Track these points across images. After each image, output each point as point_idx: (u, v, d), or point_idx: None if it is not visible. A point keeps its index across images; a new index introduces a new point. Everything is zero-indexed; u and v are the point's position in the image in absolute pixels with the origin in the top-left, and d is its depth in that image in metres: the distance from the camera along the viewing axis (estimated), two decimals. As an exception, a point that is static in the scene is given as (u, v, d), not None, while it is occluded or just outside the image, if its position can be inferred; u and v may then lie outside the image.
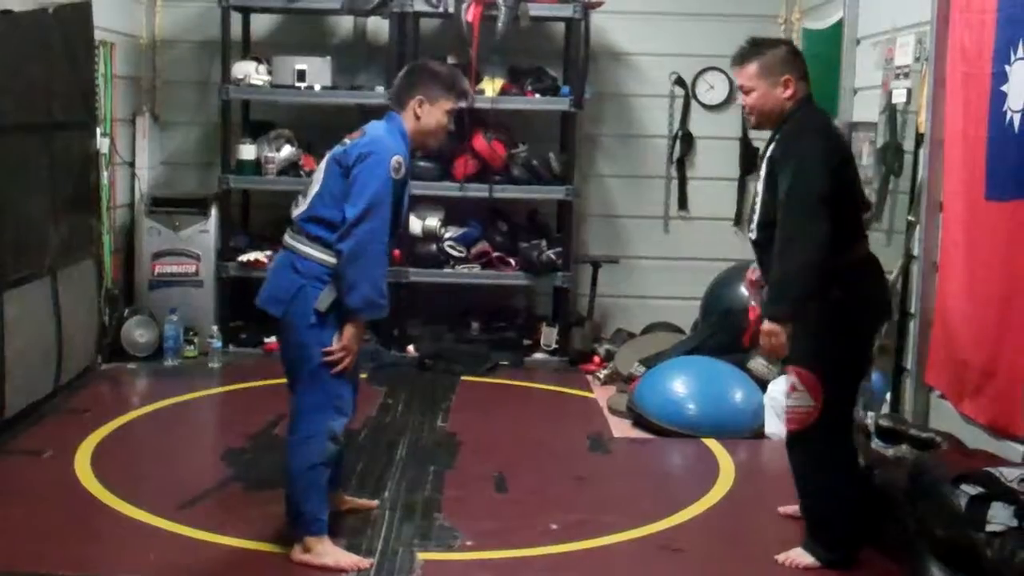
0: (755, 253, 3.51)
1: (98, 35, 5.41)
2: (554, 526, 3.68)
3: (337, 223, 3.25)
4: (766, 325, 3.26)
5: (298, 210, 3.38)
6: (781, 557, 3.42)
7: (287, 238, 3.40)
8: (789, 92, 3.33)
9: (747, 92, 3.37)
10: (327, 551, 3.31)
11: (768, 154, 3.35)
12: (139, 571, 3.26)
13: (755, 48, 3.40)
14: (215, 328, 5.78)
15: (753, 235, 3.43)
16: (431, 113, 3.37)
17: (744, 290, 3.27)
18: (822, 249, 3.17)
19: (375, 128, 3.37)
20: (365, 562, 3.31)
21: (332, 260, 3.25)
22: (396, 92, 3.44)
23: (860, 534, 3.44)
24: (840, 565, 3.38)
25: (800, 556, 3.41)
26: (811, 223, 3.17)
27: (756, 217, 3.40)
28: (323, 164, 3.38)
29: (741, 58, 3.40)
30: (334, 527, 3.45)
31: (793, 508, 3.68)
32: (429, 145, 3.54)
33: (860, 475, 3.52)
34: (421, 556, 3.40)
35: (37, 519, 3.61)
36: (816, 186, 3.18)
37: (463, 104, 3.46)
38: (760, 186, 3.36)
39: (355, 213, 3.21)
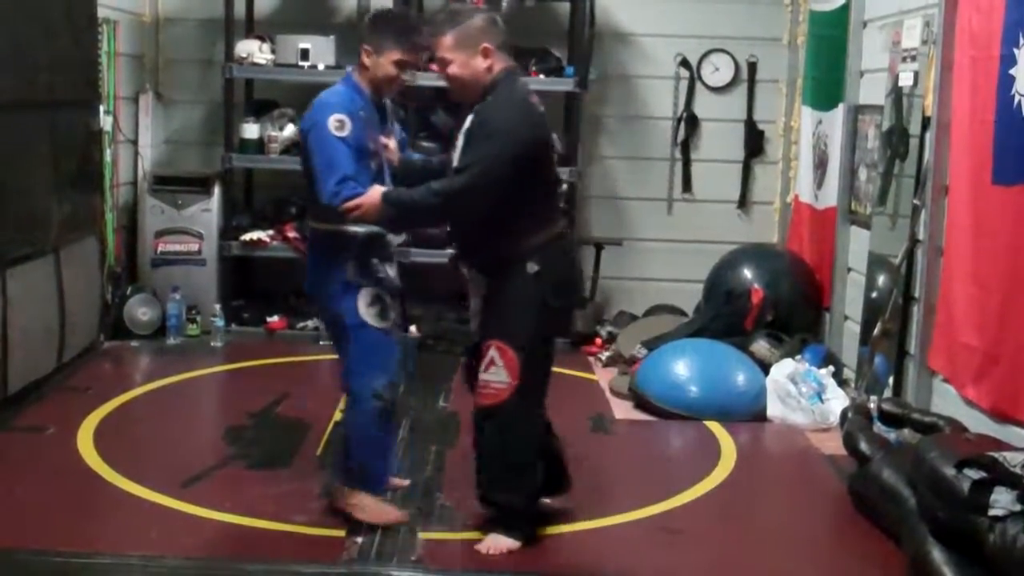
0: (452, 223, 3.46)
1: (101, 13, 5.39)
2: (555, 506, 3.67)
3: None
4: (374, 198, 3.21)
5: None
6: (482, 547, 3.32)
7: (309, 220, 3.54)
8: (488, 62, 3.23)
9: (446, 64, 3.24)
10: (371, 506, 3.44)
11: (466, 126, 3.26)
12: (141, 548, 3.26)
13: (450, 18, 3.30)
14: (217, 307, 5.78)
15: None
16: (378, 64, 3.36)
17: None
18: (453, 217, 3.26)
19: (320, 95, 3.41)
20: (404, 516, 3.46)
21: (339, 228, 3.32)
22: (357, 42, 3.47)
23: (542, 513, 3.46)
24: (532, 538, 3.37)
25: (497, 540, 3.33)
26: (472, 194, 3.15)
27: None
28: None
29: (438, 28, 3.29)
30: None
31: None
32: (385, 94, 3.50)
33: (544, 447, 3.50)
34: (422, 535, 3.41)
35: (39, 496, 3.62)
36: (499, 175, 3.15)
37: (414, 55, 3.42)
38: (455, 156, 3.28)
39: (317, 187, 3.27)
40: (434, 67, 3.34)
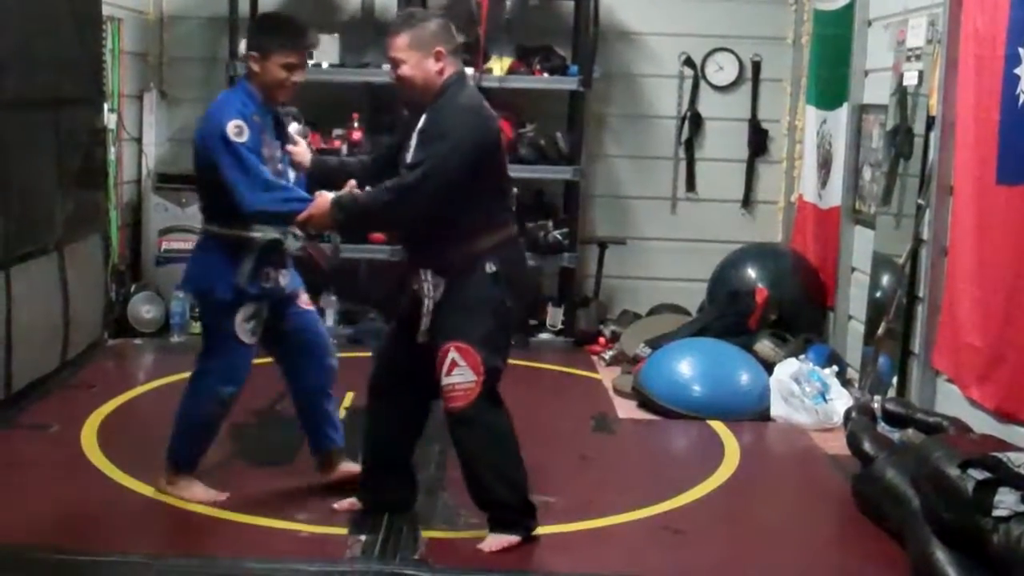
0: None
1: (106, 11, 5.40)
2: (557, 505, 3.68)
3: (220, 197, 3.33)
4: (324, 201, 3.24)
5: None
6: (484, 546, 3.32)
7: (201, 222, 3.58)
8: (440, 65, 3.27)
9: (398, 64, 3.27)
10: (192, 487, 3.54)
11: (419, 126, 3.28)
12: (145, 546, 3.27)
13: (407, 20, 3.36)
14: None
15: None
16: (266, 68, 3.37)
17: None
18: (402, 222, 3.27)
19: (213, 103, 3.44)
20: (222, 496, 3.52)
21: (231, 233, 3.40)
22: (246, 49, 3.48)
23: (532, 506, 3.42)
24: (530, 531, 3.37)
25: (497, 539, 3.33)
26: (424, 191, 3.15)
27: None
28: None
29: (393, 29, 3.33)
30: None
31: (350, 501, 3.58)
32: (278, 98, 3.50)
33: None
34: (425, 534, 3.41)
35: (44, 493, 3.63)
36: (452, 172, 3.16)
37: (302, 57, 3.42)
38: (408, 157, 3.28)
39: (237, 200, 3.28)
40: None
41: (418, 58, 3.26)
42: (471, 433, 3.31)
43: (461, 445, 3.35)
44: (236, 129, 3.29)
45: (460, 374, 3.24)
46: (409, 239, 3.45)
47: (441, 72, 3.28)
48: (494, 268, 3.27)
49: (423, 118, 3.28)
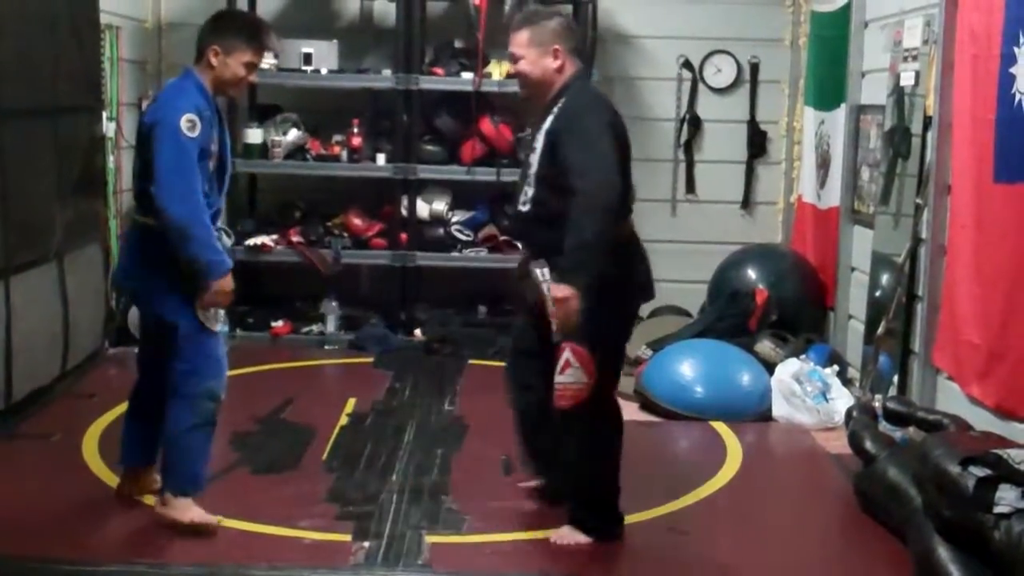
0: (518, 227, 3.46)
1: (104, 19, 5.39)
2: (562, 509, 3.67)
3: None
4: (563, 291, 3.15)
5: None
6: (555, 537, 3.38)
7: (135, 215, 3.47)
8: (558, 63, 3.32)
9: (517, 60, 3.34)
10: (191, 509, 3.40)
11: (547, 127, 3.30)
12: (148, 555, 3.27)
13: (529, 17, 3.42)
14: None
15: (524, 208, 3.35)
16: (227, 64, 3.37)
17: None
18: (614, 220, 3.19)
19: (166, 90, 3.40)
20: (215, 520, 3.40)
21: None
22: (197, 40, 3.42)
23: (621, 516, 3.47)
24: (613, 537, 3.40)
25: (571, 534, 3.39)
26: (607, 194, 3.15)
27: (531, 192, 3.32)
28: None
29: (515, 26, 3.40)
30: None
31: (535, 483, 3.71)
32: (228, 95, 3.53)
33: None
34: (429, 539, 3.41)
35: (45, 502, 3.62)
36: (611, 158, 3.19)
37: (263, 58, 3.44)
38: (535, 159, 3.31)
39: (158, 189, 3.24)
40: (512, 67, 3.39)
41: (536, 55, 3.32)
42: (576, 432, 3.34)
43: (565, 443, 3.38)
44: (189, 124, 3.25)
45: (572, 375, 3.25)
46: (535, 239, 3.39)
47: (560, 70, 3.33)
48: (613, 271, 3.21)
49: (550, 118, 3.30)
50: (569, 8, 6.09)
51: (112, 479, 3.82)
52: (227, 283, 3.37)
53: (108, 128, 5.52)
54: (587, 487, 3.41)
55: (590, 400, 3.27)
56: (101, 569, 3.19)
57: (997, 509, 2.82)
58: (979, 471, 2.91)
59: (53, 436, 4.27)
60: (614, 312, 3.30)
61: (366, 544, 3.35)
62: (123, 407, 4.60)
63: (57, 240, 4.86)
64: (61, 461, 4.01)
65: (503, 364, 3.77)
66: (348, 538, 3.40)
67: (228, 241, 3.58)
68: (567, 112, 3.27)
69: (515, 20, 3.47)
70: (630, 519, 3.63)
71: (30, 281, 4.57)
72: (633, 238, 3.41)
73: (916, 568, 3.14)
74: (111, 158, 5.58)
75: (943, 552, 2.99)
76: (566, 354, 3.25)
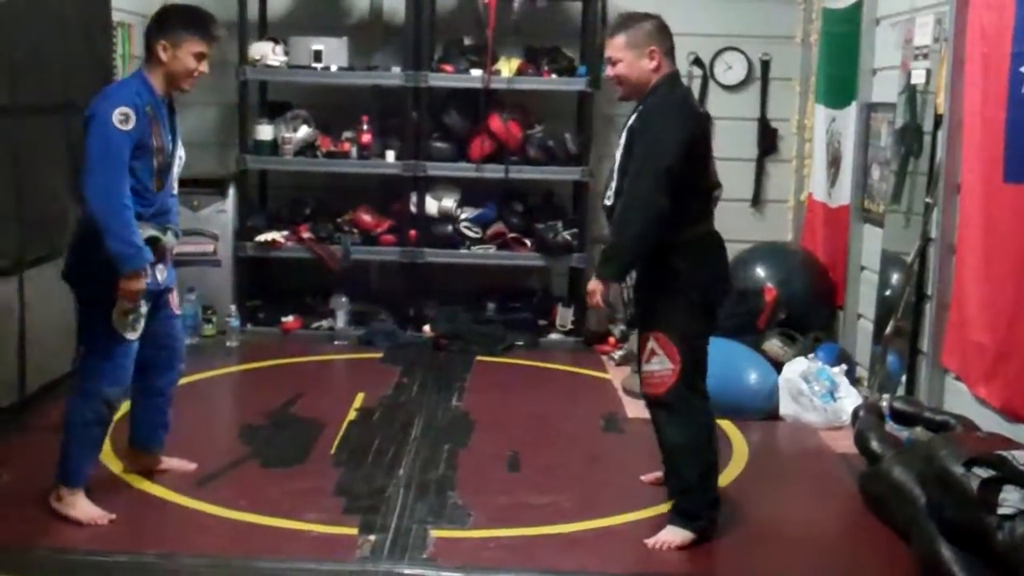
0: (607, 218, 3.57)
1: (116, 16, 5.42)
2: (567, 504, 3.70)
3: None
4: (592, 283, 3.42)
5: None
6: (651, 542, 3.42)
7: (80, 211, 3.51)
8: (654, 64, 3.42)
9: (615, 63, 3.44)
10: (78, 504, 3.43)
11: (629, 124, 3.43)
12: (160, 547, 3.30)
13: (624, 21, 3.51)
14: (233, 307, 5.82)
15: (608, 202, 3.48)
16: (176, 57, 3.39)
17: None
18: (658, 223, 3.29)
19: (108, 86, 3.41)
20: (105, 518, 3.42)
21: None
22: (145, 39, 3.45)
23: (717, 500, 3.52)
24: (707, 532, 3.45)
25: (671, 535, 3.43)
26: (653, 196, 3.27)
27: (613, 184, 3.46)
28: None
29: (611, 31, 3.50)
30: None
31: (656, 475, 3.81)
32: (182, 89, 3.51)
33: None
34: (434, 533, 3.43)
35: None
36: (666, 160, 3.29)
37: (210, 46, 3.46)
38: (619, 154, 3.44)
39: (84, 177, 3.29)
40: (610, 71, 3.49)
41: (633, 57, 3.41)
42: (667, 418, 3.45)
43: (660, 430, 3.50)
44: (121, 116, 3.28)
45: (658, 362, 3.40)
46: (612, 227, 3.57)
47: (656, 71, 3.43)
48: (681, 264, 3.37)
49: (634, 116, 3.44)
50: (579, 5, 6.13)
51: (124, 472, 3.85)
52: (136, 281, 3.36)
53: (120, 124, 5.55)
54: (678, 478, 3.48)
55: (677, 386, 3.39)
56: (111, 559, 3.22)
57: (1001, 510, 2.83)
58: (983, 472, 2.92)
59: (65, 429, 4.29)
60: (692, 304, 3.41)
61: (372, 537, 3.37)
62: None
63: (69, 235, 4.88)
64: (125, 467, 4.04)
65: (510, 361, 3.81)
66: (355, 531, 3.42)
67: (174, 241, 3.56)
68: (646, 113, 3.40)
69: (610, 25, 3.57)
70: (637, 515, 3.65)
71: (43, 275, 4.60)
72: (710, 235, 3.51)
73: (920, 568, 3.15)
74: (123, 154, 5.61)
75: (947, 553, 3.00)
76: (650, 343, 3.42)
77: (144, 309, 3.47)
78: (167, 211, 3.56)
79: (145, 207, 3.41)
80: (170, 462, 3.87)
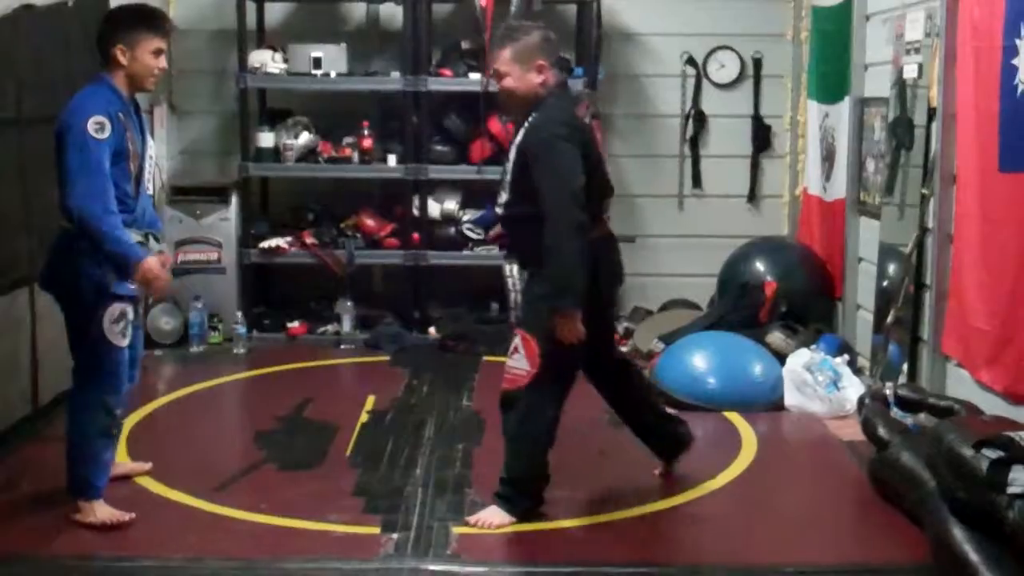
0: (503, 224, 3.68)
1: (116, 27, 5.47)
2: (578, 498, 3.77)
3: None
4: (561, 323, 3.38)
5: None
6: (473, 519, 3.51)
7: (62, 221, 3.46)
8: (542, 78, 3.43)
9: (502, 77, 3.44)
10: (97, 510, 3.47)
11: (517, 142, 3.45)
12: (181, 551, 3.35)
13: (510, 33, 3.51)
14: (239, 314, 5.86)
15: (500, 211, 3.58)
16: (135, 58, 3.38)
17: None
18: (584, 236, 3.36)
19: (76, 96, 3.40)
20: (126, 516, 3.47)
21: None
22: (99, 46, 3.44)
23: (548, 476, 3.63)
24: (528, 515, 3.54)
25: (493, 516, 3.51)
26: (575, 216, 3.34)
27: (505, 196, 3.54)
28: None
29: (497, 43, 3.49)
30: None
31: (661, 467, 3.94)
32: (147, 88, 3.52)
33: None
34: (455, 530, 3.49)
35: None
36: (575, 182, 3.36)
37: (167, 40, 3.45)
38: (509, 167, 3.49)
39: (67, 189, 3.30)
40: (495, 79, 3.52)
41: (520, 71, 3.41)
42: (512, 415, 3.53)
43: (503, 419, 3.58)
44: (96, 125, 3.28)
45: (517, 360, 3.47)
46: (506, 238, 3.70)
47: (543, 84, 3.43)
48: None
49: (521, 132, 3.45)
50: (574, 8, 6.20)
51: (141, 478, 3.90)
52: (150, 266, 3.36)
53: (123, 135, 5.59)
54: (511, 467, 3.56)
55: (528, 389, 3.45)
56: (138, 564, 3.27)
57: (1010, 490, 2.90)
58: (992, 453, 2.99)
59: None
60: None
61: (395, 536, 3.43)
62: (145, 410, 4.75)
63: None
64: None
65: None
66: (377, 530, 3.48)
67: (157, 246, 3.56)
68: (533, 131, 3.41)
69: (496, 37, 3.57)
70: (648, 508, 3.72)
71: (54, 287, 4.64)
72: (600, 240, 3.55)
73: (932, 549, 3.22)
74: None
75: (958, 533, 3.07)
76: (516, 340, 3.49)
77: (131, 315, 3.48)
78: (145, 214, 3.54)
79: (127, 213, 3.40)
80: (126, 466, 3.89)
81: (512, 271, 3.55)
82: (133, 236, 3.40)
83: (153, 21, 3.45)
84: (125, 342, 3.47)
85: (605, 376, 3.84)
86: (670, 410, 4.17)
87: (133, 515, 3.50)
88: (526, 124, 3.44)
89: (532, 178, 3.39)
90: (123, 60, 3.39)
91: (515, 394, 3.49)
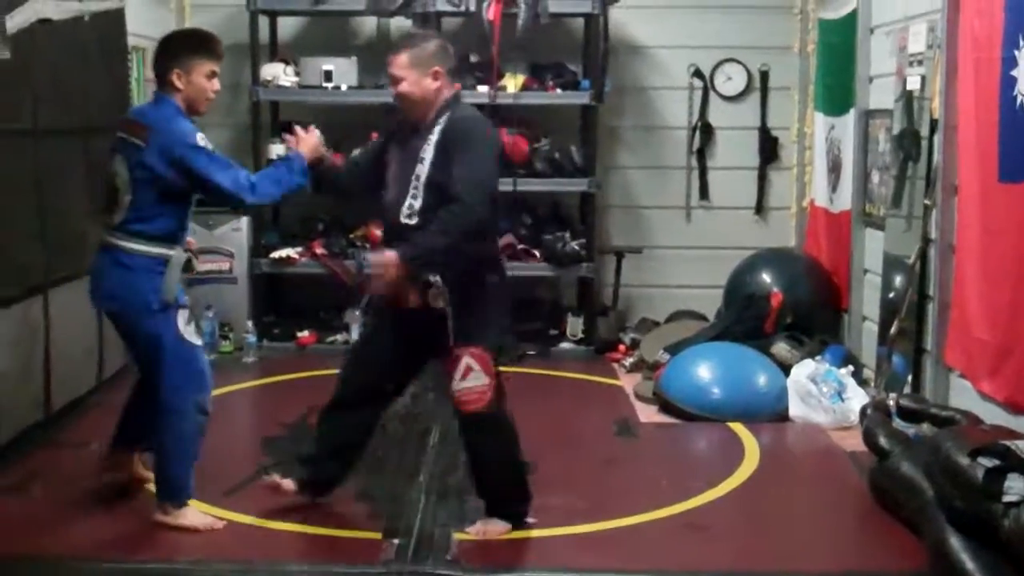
0: (399, 238, 3.45)
1: (131, 41, 5.55)
2: (583, 506, 3.80)
3: (156, 215, 3.45)
4: (391, 258, 3.32)
5: (116, 215, 3.51)
6: (474, 530, 3.54)
7: (107, 237, 3.55)
8: (438, 84, 3.48)
9: (398, 81, 3.46)
10: (188, 514, 3.55)
11: (436, 139, 3.41)
12: (190, 555, 3.40)
13: (408, 40, 3.61)
14: (249, 323, 5.93)
15: (411, 220, 3.41)
16: (191, 82, 3.49)
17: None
18: (475, 231, 3.36)
19: (160, 119, 3.48)
20: (219, 523, 3.53)
21: (157, 251, 3.47)
22: (155, 71, 3.56)
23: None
24: (525, 520, 3.59)
25: (497, 527, 3.55)
26: (481, 210, 3.35)
27: (418, 203, 3.40)
28: (118, 168, 3.51)
29: (395, 49, 3.55)
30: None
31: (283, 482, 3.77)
32: (200, 111, 3.62)
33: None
34: (456, 536, 3.53)
35: (89, 507, 3.75)
36: (494, 180, 3.45)
37: (218, 63, 3.56)
38: (424, 168, 3.40)
39: (227, 195, 3.45)
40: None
41: (416, 76, 3.45)
42: (486, 434, 3.52)
43: (476, 445, 3.56)
44: (203, 139, 3.46)
45: (475, 378, 3.43)
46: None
47: (439, 90, 3.48)
48: (495, 278, 3.52)
49: (437, 131, 3.44)
50: (581, 21, 6.26)
51: (151, 483, 3.94)
52: (301, 136, 3.73)
53: (137, 146, 5.67)
54: (504, 488, 3.58)
55: (493, 401, 3.46)
56: (146, 567, 3.34)
57: (1006, 498, 2.92)
58: (988, 461, 3.01)
59: (91, 444, 4.39)
60: (500, 315, 3.58)
61: (396, 541, 3.47)
62: (156, 417, 4.81)
63: (91, 255, 4.99)
64: (100, 467, 4.13)
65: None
66: (379, 536, 3.52)
67: (197, 265, 3.70)
68: (457, 126, 3.43)
69: (395, 43, 3.65)
70: (650, 516, 3.74)
71: (67, 295, 4.72)
72: (500, 247, 3.66)
73: (929, 558, 3.23)
74: (140, 175, 5.73)
75: (955, 542, 3.09)
76: (465, 360, 3.42)
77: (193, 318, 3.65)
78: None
79: (182, 230, 3.57)
80: (146, 472, 3.90)
81: (438, 285, 3.38)
82: (183, 253, 3.55)
83: (207, 45, 3.57)
84: (200, 340, 3.63)
85: (377, 397, 3.73)
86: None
87: (224, 522, 3.56)
88: (440, 122, 3.43)
89: (451, 172, 3.35)
90: (179, 84, 3.50)
91: (485, 413, 3.45)
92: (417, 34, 3.68)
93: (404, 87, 3.46)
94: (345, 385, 3.73)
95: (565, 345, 6.15)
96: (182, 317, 3.53)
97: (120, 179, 3.51)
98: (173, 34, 3.74)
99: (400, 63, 3.47)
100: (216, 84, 3.57)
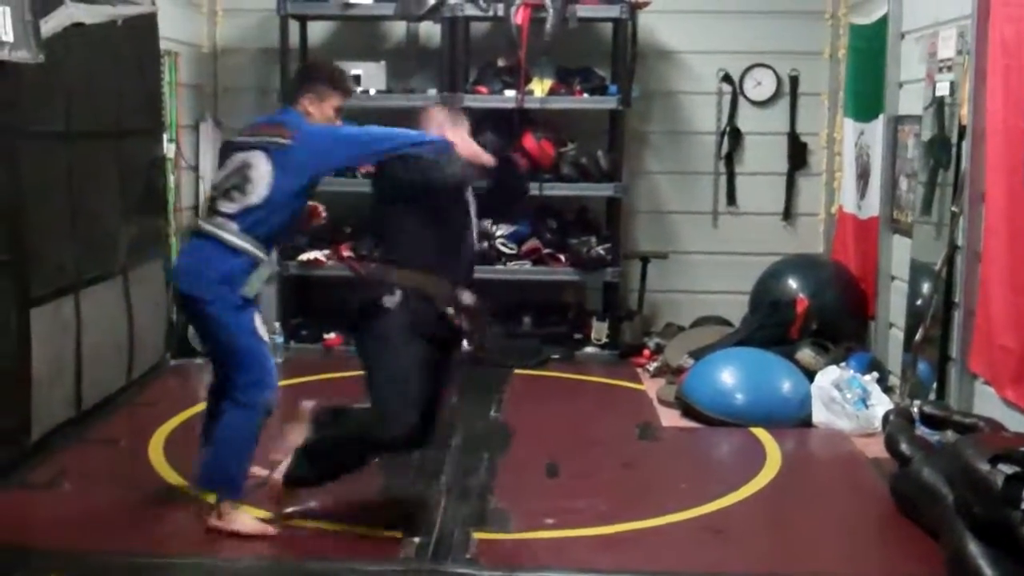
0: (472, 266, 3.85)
1: (163, 45, 5.63)
2: (603, 508, 3.81)
3: (269, 217, 3.53)
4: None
5: (234, 204, 3.54)
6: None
7: (207, 225, 3.60)
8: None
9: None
10: (240, 518, 3.55)
11: None
12: (215, 550, 3.46)
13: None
14: (277, 324, 5.98)
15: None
16: (321, 109, 3.65)
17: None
18: None
19: (296, 123, 3.60)
20: (271, 529, 3.54)
21: (256, 252, 3.55)
22: (291, 90, 3.80)
23: None
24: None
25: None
26: None
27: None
28: (255, 161, 3.53)
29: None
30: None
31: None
32: None
33: None
34: (476, 535, 3.55)
35: (117, 502, 3.82)
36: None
37: (346, 100, 3.74)
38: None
39: (403, 147, 3.58)
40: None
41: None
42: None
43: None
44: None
45: None
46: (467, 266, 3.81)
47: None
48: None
49: None
50: (610, 26, 6.27)
51: (177, 481, 4.01)
52: (433, 114, 3.92)
53: (168, 149, 5.76)
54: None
55: None
56: (175, 562, 3.39)
57: (1025, 505, 2.91)
58: (1008, 469, 2.99)
59: (121, 442, 4.48)
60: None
61: (416, 539, 3.50)
62: (184, 415, 4.87)
63: (122, 256, 5.09)
64: (130, 465, 4.22)
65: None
66: (399, 534, 3.55)
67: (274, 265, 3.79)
68: None
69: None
70: (670, 519, 3.75)
71: (98, 295, 4.80)
72: None
73: (948, 565, 3.22)
74: (171, 178, 5.82)
75: (974, 549, 3.07)
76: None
77: None
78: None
79: (285, 239, 3.77)
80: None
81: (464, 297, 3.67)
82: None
83: (343, 83, 3.76)
84: (268, 338, 3.72)
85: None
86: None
87: (275, 528, 3.58)
88: None
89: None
90: (309, 108, 3.66)
91: None
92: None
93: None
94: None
95: (589, 349, 6.16)
96: (259, 316, 3.63)
97: (255, 171, 3.53)
98: (315, 63, 3.99)
99: None
100: (339, 120, 3.74)
